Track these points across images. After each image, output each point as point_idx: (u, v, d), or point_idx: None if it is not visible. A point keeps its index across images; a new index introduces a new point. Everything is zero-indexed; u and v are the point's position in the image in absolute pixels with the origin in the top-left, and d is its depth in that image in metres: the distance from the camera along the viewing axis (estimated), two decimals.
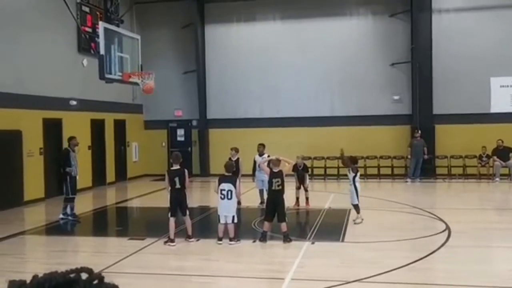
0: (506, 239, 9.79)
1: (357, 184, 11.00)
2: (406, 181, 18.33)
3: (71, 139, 12.54)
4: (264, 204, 10.86)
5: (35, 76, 14.92)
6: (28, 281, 1.01)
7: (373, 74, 19.85)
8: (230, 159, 13.21)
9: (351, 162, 11.31)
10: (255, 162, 13.43)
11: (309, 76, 20.21)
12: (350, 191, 11.09)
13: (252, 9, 20.79)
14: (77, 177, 12.44)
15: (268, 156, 13.13)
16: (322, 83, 20.21)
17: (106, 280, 1.03)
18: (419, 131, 18.47)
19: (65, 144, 16.23)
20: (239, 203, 13.22)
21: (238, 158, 13.28)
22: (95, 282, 1.01)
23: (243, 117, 20.66)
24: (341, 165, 18.91)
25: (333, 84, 20.17)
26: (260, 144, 13.61)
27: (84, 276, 1.01)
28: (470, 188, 17.18)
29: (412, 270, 7.55)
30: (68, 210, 12.12)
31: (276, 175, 9.54)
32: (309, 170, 14.37)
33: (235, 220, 9.32)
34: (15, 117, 14.05)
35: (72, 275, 1.00)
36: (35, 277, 1.01)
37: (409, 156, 18.49)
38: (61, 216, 12.10)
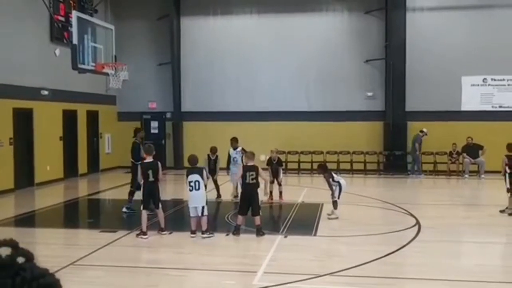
0: (474, 235, 10.03)
1: (341, 182, 11.09)
2: (420, 178, 18.11)
3: (137, 130, 12.28)
4: (238, 198, 10.87)
5: (6, 65, 14.58)
6: None
7: (347, 70, 20.01)
8: (208, 156, 13.30)
9: (323, 170, 11.42)
10: (229, 155, 13.46)
11: (285, 70, 20.26)
12: (335, 187, 11.13)
13: (228, 2, 20.71)
14: None
15: (242, 149, 13.20)
16: (297, 78, 20.28)
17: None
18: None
19: (36, 134, 16.04)
20: (219, 196, 13.25)
21: (217, 156, 13.37)
22: (22, 261, 0.88)
23: (218, 111, 20.60)
24: (314, 160, 19.14)
25: (308, 79, 20.27)
26: (233, 138, 13.61)
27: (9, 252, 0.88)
28: (440, 184, 17.50)
29: (383, 264, 7.67)
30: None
31: (250, 169, 9.55)
32: (283, 164, 14.42)
33: (205, 212, 9.27)
34: None
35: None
36: None
37: (417, 152, 18.29)
38: (124, 209, 11.72)
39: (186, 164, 19.90)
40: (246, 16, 20.73)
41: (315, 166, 18.36)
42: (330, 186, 11.04)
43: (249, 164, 9.68)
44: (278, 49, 20.25)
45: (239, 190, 10.89)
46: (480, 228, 10.48)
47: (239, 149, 13.34)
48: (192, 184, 9.28)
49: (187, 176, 9.41)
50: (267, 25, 20.49)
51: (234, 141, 13.57)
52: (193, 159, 9.67)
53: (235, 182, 12.80)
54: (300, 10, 20.27)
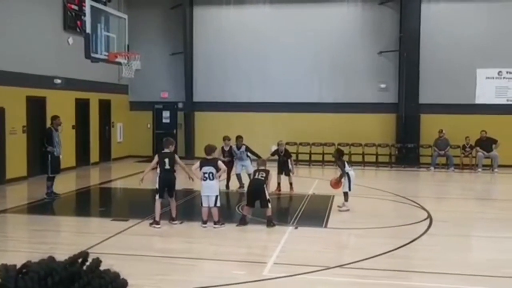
0: (486, 229, 9.95)
1: (350, 173, 11.01)
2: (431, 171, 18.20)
3: (54, 118, 12.41)
4: (244, 188, 10.90)
5: (19, 53, 14.66)
6: (17, 266, 0.95)
7: (360, 61, 19.85)
8: (222, 148, 13.20)
9: (338, 155, 11.42)
10: (234, 152, 13.38)
11: (297, 61, 20.14)
12: (344, 179, 11.09)
13: None
14: (60, 157, 12.36)
15: (246, 147, 13.13)
16: (310, 68, 20.16)
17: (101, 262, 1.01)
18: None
19: (48, 123, 16.12)
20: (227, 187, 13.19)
21: (231, 147, 13.26)
22: (96, 271, 0.99)
23: (230, 101, 20.56)
24: (326, 151, 19.07)
25: (321, 70, 20.15)
26: (238, 136, 13.46)
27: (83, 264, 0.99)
28: (452, 178, 17.36)
29: (393, 257, 7.64)
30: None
31: (261, 170, 9.71)
32: (292, 155, 14.11)
33: (218, 203, 9.30)
34: None
35: (73, 266, 0.97)
36: (28, 265, 0.95)
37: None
38: (45, 196, 12.03)
39: (197, 154, 20.18)
40: (259, 6, 20.61)
41: (326, 158, 18.43)
42: (342, 173, 11.01)
43: (261, 168, 9.79)
44: (291, 39, 20.12)
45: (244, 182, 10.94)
46: (493, 222, 10.39)
47: (243, 148, 13.24)
48: (207, 175, 9.28)
49: (201, 167, 9.39)
50: (280, 15, 20.37)
51: (239, 140, 13.37)
52: (209, 150, 9.64)
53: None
54: (313, 0, 20.11)
